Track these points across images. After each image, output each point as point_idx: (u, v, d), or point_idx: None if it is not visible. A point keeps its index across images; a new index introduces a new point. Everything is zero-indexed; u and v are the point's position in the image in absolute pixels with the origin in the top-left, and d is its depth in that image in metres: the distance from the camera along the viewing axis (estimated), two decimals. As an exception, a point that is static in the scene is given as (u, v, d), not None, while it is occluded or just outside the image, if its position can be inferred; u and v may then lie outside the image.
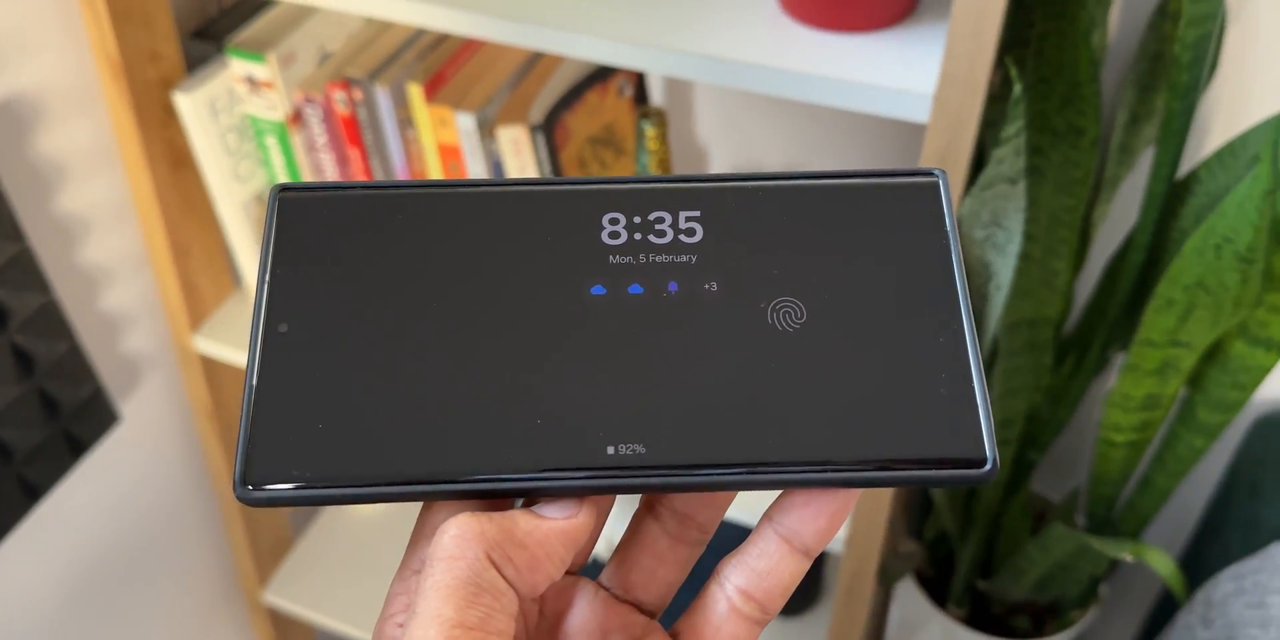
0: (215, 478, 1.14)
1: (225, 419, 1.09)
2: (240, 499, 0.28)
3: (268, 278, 0.30)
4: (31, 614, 0.98)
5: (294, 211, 0.31)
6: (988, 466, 0.28)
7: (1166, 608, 1.05)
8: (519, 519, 0.28)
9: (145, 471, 1.07)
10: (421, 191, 0.31)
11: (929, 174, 0.31)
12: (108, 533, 1.05)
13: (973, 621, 1.03)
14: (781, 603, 0.31)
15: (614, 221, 0.31)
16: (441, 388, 0.29)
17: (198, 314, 1.01)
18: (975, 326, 0.29)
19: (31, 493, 0.91)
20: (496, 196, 0.31)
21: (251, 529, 1.19)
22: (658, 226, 0.31)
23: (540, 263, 0.30)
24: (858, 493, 0.29)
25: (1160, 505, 0.90)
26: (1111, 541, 0.80)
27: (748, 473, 0.28)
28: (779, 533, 0.30)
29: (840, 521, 0.29)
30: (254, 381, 0.29)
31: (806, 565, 0.30)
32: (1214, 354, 0.79)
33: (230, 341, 1.00)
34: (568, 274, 0.30)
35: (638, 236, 0.30)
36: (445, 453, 0.28)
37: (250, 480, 0.28)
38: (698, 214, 0.31)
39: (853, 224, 0.30)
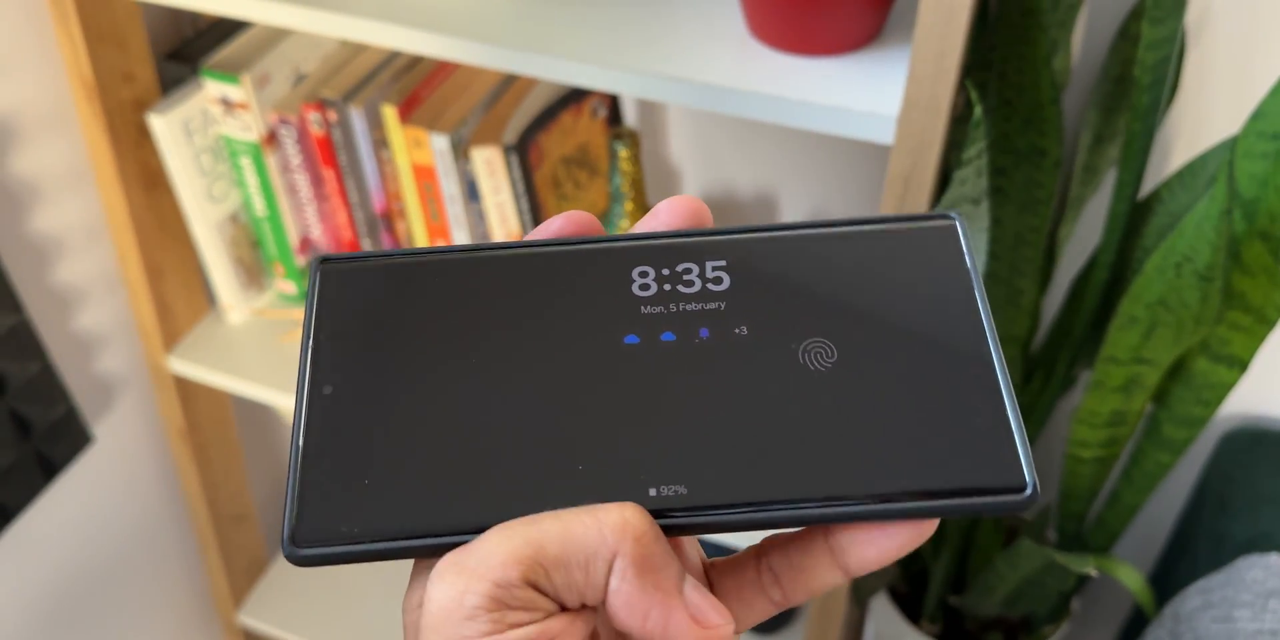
0: (189, 498, 1.14)
1: (199, 439, 1.09)
2: (289, 559, 0.28)
3: (311, 344, 0.31)
4: (3, 637, 0.98)
5: (335, 280, 0.32)
6: (1028, 492, 0.28)
7: (1138, 622, 1.06)
8: (672, 569, 0.27)
9: (118, 492, 1.07)
10: (456, 256, 0.32)
11: (946, 217, 0.32)
12: (80, 554, 1.04)
13: (946, 637, 1.03)
14: (802, 600, 0.31)
15: (644, 274, 0.32)
16: (485, 440, 0.29)
17: (171, 334, 1.01)
18: (1004, 357, 0.30)
19: (3, 514, 0.90)
20: (528, 258, 0.32)
21: (226, 550, 1.19)
22: (685, 277, 0.32)
23: (575, 318, 0.31)
24: (912, 536, 0.29)
25: (1129, 520, 0.91)
26: (1077, 557, 0.80)
27: (791, 509, 0.28)
28: (828, 542, 0.30)
29: (889, 560, 0.29)
30: (300, 442, 0.29)
31: (840, 581, 0.30)
32: (1178, 371, 0.80)
33: (204, 362, 1.00)
34: (602, 326, 0.31)
35: (667, 287, 0.32)
36: (492, 503, 0.28)
37: (300, 541, 0.28)
38: (724, 264, 0.32)
39: (877, 267, 0.32)
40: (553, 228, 0.33)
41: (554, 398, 0.30)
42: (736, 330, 0.31)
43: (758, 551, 0.32)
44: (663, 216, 0.33)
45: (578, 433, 0.29)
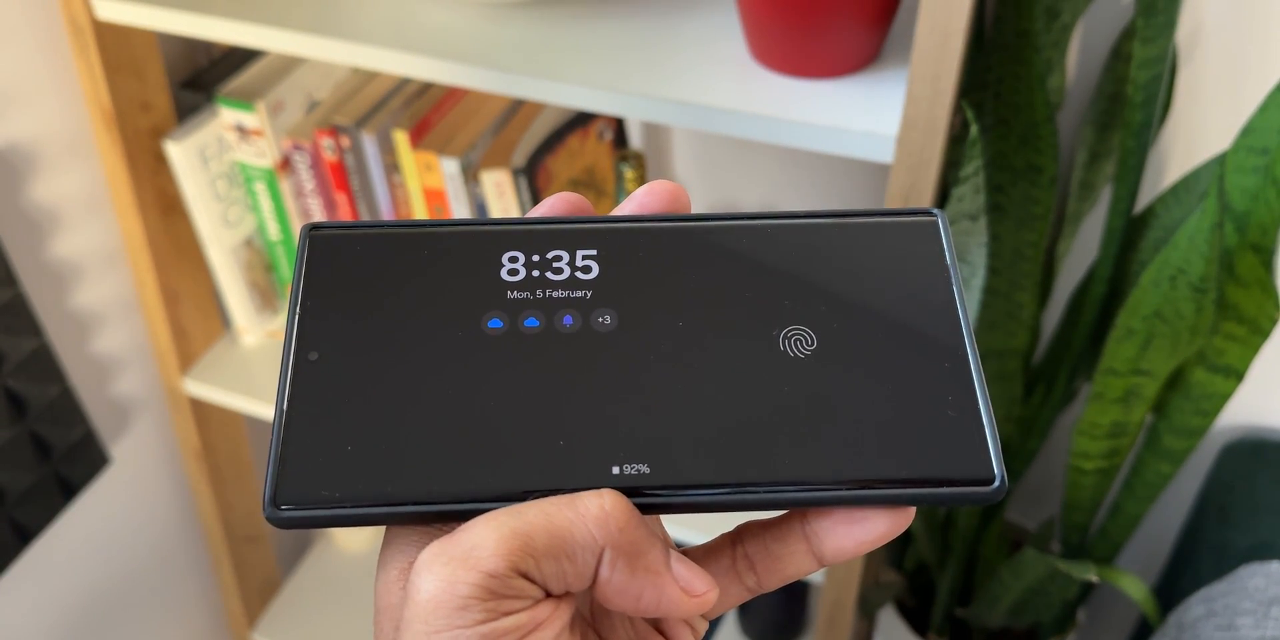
0: (204, 519, 1.15)
1: (214, 461, 1.10)
2: (270, 520, 0.28)
3: (298, 310, 0.31)
4: (22, 656, 0.99)
5: (323, 248, 0.33)
6: (995, 484, 0.29)
7: (1142, 632, 1.07)
8: (657, 550, 0.28)
9: (135, 513, 1.08)
10: (444, 230, 0.33)
11: (929, 213, 0.33)
12: (98, 575, 1.06)
13: (953, 650, 1.04)
14: (776, 587, 0.32)
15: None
16: (460, 412, 0.30)
17: (187, 357, 1.02)
18: (979, 353, 0.31)
19: (23, 535, 0.92)
20: (512, 235, 0.33)
21: (240, 570, 1.20)
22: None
23: (561, 297, 0.32)
24: (888, 528, 0.29)
25: (1131, 531, 0.92)
26: (1079, 564, 0.82)
27: (760, 491, 0.29)
28: (804, 530, 0.30)
29: (865, 549, 0.30)
30: (284, 407, 0.30)
31: (814, 569, 0.31)
32: (1176, 382, 0.81)
33: (219, 384, 1.02)
34: (588, 309, 0.31)
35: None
36: (470, 474, 0.29)
37: (280, 501, 0.28)
38: (718, 247, 0.32)
39: (859, 257, 0.32)
40: (543, 208, 0.34)
41: (538, 373, 0.30)
42: (720, 314, 0.31)
43: (734, 539, 0.32)
44: (640, 199, 0.33)
45: (559, 409, 0.30)
